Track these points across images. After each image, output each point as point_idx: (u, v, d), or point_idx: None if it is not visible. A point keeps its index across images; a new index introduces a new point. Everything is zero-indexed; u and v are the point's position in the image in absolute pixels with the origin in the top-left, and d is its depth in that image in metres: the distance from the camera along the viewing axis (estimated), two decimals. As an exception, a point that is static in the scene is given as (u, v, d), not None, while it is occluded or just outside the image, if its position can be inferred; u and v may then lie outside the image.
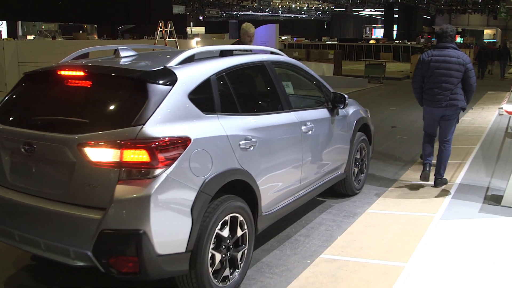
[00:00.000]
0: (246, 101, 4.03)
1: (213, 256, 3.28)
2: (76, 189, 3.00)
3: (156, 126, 2.97)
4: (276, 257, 4.16)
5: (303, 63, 5.13)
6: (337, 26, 62.91)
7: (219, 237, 3.32)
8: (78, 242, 2.95)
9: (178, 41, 16.36)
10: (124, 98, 3.20)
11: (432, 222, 4.81)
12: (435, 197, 5.64)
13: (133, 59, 3.68)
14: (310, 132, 4.47)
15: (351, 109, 5.48)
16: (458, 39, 40.39)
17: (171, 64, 3.38)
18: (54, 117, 3.31)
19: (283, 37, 44.30)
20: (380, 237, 4.54)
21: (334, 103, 5.01)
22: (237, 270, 3.54)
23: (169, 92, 3.15)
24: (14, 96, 3.55)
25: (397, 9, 47.70)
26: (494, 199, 5.49)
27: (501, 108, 6.13)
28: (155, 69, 3.31)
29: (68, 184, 3.03)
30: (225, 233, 3.38)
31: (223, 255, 3.38)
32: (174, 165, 2.97)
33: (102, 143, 2.92)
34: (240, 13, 57.32)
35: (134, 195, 2.85)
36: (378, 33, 60.36)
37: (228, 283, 3.48)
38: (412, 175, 6.60)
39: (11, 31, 33.22)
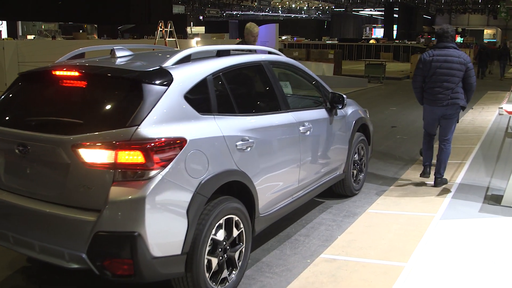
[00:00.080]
0: (243, 102, 3.99)
1: (209, 259, 3.25)
2: (70, 190, 2.97)
3: (152, 127, 2.94)
4: (276, 256, 4.15)
5: (303, 63, 5.11)
6: (337, 26, 62.93)
7: (215, 239, 3.29)
8: (72, 244, 2.91)
9: (178, 41, 16.33)
10: (119, 99, 3.16)
11: (432, 222, 4.80)
12: (435, 197, 5.63)
13: (129, 59, 3.65)
14: (308, 132, 4.44)
15: (349, 109, 5.45)
16: (458, 39, 40.37)
17: (167, 64, 3.35)
18: (48, 118, 3.28)
19: (283, 37, 44.33)
20: (380, 237, 4.53)
21: (332, 103, 4.97)
22: (233, 272, 3.50)
23: (164, 92, 3.11)
24: (9, 97, 3.52)
25: (397, 9, 47.73)
26: (494, 199, 5.48)
27: (501, 108, 6.11)
28: (150, 69, 3.27)
29: (63, 186, 2.99)
30: (222, 234, 3.34)
31: (220, 258, 3.34)
32: (169, 166, 2.94)
33: (97, 144, 2.89)
34: (240, 13, 57.36)
35: (129, 197, 2.82)
36: (378, 33, 60.41)
37: (227, 283, 3.45)
38: (412, 174, 6.59)
39: (11, 31, 33.27)
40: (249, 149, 3.60)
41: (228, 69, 3.75)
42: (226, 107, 3.60)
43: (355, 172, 5.68)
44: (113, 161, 2.85)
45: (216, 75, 3.59)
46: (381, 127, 10.02)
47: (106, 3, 24.39)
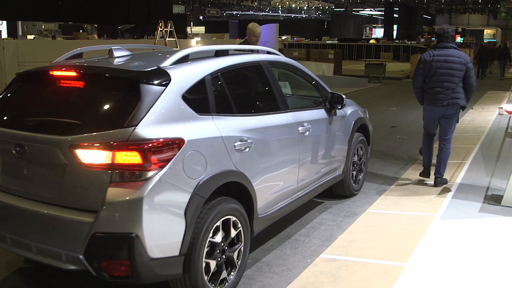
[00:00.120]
0: (242, 102, 3.97)
1: (207, 262, 3.23)
2: (67, 191, 2.96)
3: (149, 127, 2.92)
4: (276, 256, 4.14)
5: (303, 63, 5.09)
6: (337, 26, 62.92)
7: (213, 240, 3.27)
8: (69, 245, 2.90)
9: (178, 40, 16.32)
10: (117, 99, 3.14)
11: (432, 222, 4.79)
12: (435, 196, 5.62)
13: (126, 59, 3.63)
14: (307, 133, 4.42)
15: (349, 110, 5.43)
16: (458, 39, 40.37)
17: (165, 64, 3.33)
18: (45, 118, 3.26)
19: (283, 37, 44.35)
20: (380, 236, 4.52)
21: (331, 103, 4.95)
22: (232, 273, 3.48)
23: (162, 92, 3.09)
24: (6, 97, 3.50)
25: (397, 8, 47.73)
26: (494, 199, 5.47)
27: (501, 108, 6.11)
28: (148, 69, 3.25)
29: (60, 187, 2.98)
30: (220, 235, 3.32)
31: (218, 258, 3.32)
32: (167, 167, 2.92)
33: (94, 144, 2.87)
34: (240, 12, 57.36)
35: (127, 198, 2.80)
36: (378, 33, 60.44)
37: (226, 284, 3.43)
38: (412, 174, 6.58)
39: (11, 31, 33.26)
40: (247, 149, 3.58)
41: (227, 69, 3.73)
42: (224, 107, 3.58)
43: (354, 172, 5.66)
44: (110, 162, 2.83)
45: (214, 75, 3.57)
46: (381, 127, 10.01)
47: (106, 3, 24.36)
